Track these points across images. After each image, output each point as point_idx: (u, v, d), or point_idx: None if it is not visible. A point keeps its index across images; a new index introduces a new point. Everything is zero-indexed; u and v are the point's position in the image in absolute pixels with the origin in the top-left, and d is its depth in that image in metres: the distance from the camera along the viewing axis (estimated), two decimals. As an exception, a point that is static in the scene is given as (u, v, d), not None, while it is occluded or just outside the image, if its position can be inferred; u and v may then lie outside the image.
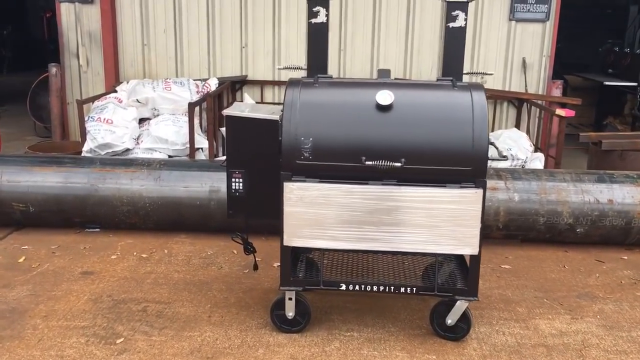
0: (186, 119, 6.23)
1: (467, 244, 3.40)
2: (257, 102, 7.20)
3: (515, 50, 6.97)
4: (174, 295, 4.12)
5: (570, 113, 5.98)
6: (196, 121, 6.15)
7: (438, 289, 3.52)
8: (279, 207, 3.58)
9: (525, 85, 7.07)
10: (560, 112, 5.99)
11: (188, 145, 6.03)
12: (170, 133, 6.09)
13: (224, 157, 3.88)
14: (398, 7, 7.12)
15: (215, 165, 5.31)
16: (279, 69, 3.86)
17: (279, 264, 3.72)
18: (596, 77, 9.07)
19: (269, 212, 3.65)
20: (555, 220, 4.99)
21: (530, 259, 4.90)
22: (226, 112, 3.50)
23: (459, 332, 3.58)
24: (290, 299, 3.59)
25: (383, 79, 3.57)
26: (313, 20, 3.63)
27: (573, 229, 5.03)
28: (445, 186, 3.36)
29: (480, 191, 3.33)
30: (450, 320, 3.55)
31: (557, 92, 6.77)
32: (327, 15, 3.62)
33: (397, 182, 3.39)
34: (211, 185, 5.13)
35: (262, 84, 7.37)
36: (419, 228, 3.40)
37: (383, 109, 3.36)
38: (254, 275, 4.48)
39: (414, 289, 3.54)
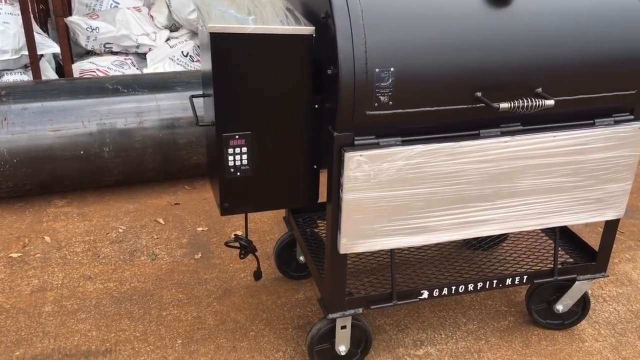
0: (9, 8, 3.97)
1: (611, 206, 2.24)
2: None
3: None
4: (108, 332, 2.47)
5: None
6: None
7: (559, 272, 2.37)
8: (312, 190, 2.09)
9: None
10: None
11: (25, 53, 3.87)
12: (-10, 35, 3.83)
13: (206, 108, 2.16)
14: None
15: (99, 84, 3.36)
16: None
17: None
18: None
19: (294, 199, 2.11)
20: None
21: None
22: (213, 26, 1.74)
23: (569, 317, 2.53)
24: (343, 327, 2.20)
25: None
26: None
27: None
28: (593, 124, 2.09)
29: (645, 126, 2.12)
30: (563, 305, 2.47)
31: None
32: None
33: (521, 126, 2.04)
34: (100, 121, 3.25)
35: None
36: (553, 194, 2.13)
37: (504, 2, 1.89)
38: (215, 262, 2.93)
39: (525, 277, 2.35)
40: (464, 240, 2.82)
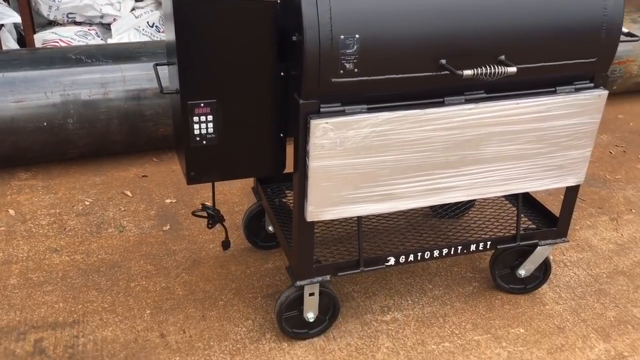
0: (-35, -24, 3.84)
1: (572, 173, 2.29)
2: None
3: None
4: (75, 304, 2.46)
5: None
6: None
7: (521, 237, 2.42)
8: (279, 159, 2.10)
9: None
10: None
11: (-16, 22, 3.76)
12: (-54, 3, 3.70)
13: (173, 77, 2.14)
14: None
15: (62, 54, 3.29)
16: None
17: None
18: None
19: (260, 167, 2.12)
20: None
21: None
22: (175, -9, 1.72)
23: (531, 282, 2.60)
24: (311, 294, 2.23)
25: None
26: None
27: None
28: (555, 92, 2.12)
29: (605, 93, 2.16)
30: (525, 270, 2.54)
31: None
32: None
33: (485, 93, 2.06)
34: (63, 92, 3.19)
35: None
36: (516, 161, 2.17)
37: (469, -32, 1.90)
38: (184, 234, 2.93)
39: (488, 243, 2.40)
40: (431, 209, 2.87)
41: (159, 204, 3.15)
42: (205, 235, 2.90)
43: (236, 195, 3.25)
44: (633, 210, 3.24)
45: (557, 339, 2.36)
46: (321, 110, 1.88)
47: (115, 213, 3.06)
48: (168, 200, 3.18)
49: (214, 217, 2.25)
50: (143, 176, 3.40)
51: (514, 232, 2.44)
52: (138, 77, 3.32)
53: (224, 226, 2.35)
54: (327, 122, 1.87)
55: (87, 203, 3.13)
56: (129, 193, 3.23)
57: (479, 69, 1.85)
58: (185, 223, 3.00)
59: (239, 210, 3.10)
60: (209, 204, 2.29)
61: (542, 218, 2.55)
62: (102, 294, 2.51)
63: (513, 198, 2.69)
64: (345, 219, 2.62)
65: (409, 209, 2.15)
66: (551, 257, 2.75)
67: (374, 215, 2.67)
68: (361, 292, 2.57)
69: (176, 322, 2.38)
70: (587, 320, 2.47)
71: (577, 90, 2.13)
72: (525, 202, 2.61)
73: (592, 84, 2.15)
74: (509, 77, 1.91)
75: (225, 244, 2.42)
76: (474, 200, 2.86)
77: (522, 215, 2.52)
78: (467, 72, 1.85)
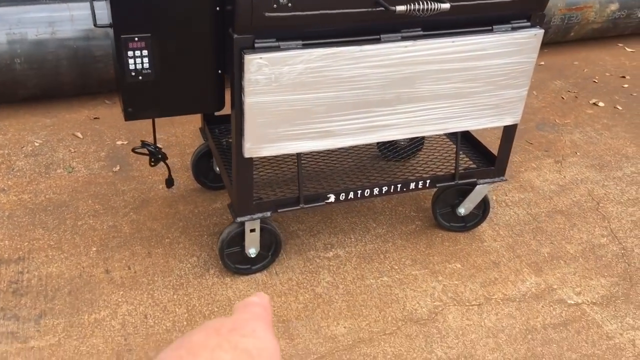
0: None
1: (509, 112, 2.34)
2: None
3: None
4: (21, 241, 2.48)
5: None
6: None
7: (460, 176, 2.48)
8: (218, 96, 2.10)
9: None
10: None
11: None
12: None
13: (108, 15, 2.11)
14: None
15: (3, -5, 3.21)
16: None
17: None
18: None
19: (199, 104, 2.12)
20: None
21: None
22: None
23: (471, 220, 2.68)
24: (252, 230, 2.28)
25: None
26: None
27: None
28: (492, 30, 2.15)
29: (541, 32, 2.19)
30: (465, 209, 2.61)
31: None
32: None
33: (422, 31, 2.07)
34: (9, 30, 3.12)
35: None
36: (452, 99, 2.21)
37: None
38: (134, 175, 2.94)
39: (427, 181, 2.45)
40: (379, 150, 2.91)
41: (109, 146, 3.14)
42: (154, 176, 2.92)
43: (188, 137, 3.25)
44: (578, 153, 3.33)
45: (491, 273, 2.46)
46: (255, 45, 1.88)
47: (65, 154, 3.05)
48: (119, 142, 3.18)
49: (155, 154, 2.26)
50: (95, 118, 3.38)
51: (454, 171, 2.50)
52: (87, 16, 3.25)
53: (166, 164, 2.37)
54: (261, 58, 1.87)
55: (36, 144, 3.11)
56: (79, 135, 3.21)
57: (412, 4, 1.87)
58: (135, 164, 3.00)
59: (190, 152, 3.10)
60: (150, 141, 2.30)
61: (482, 158, 2.61)
62: (49, 232, 2.53)
63: (455, 138, 2.75)
64: (291, 161, 2.66)
65: (346, 146, 2.18)
66: (493, 197, 2.84)
67: (317, 154, 2.71)
68: (306, 231, 2.63)
69: (122, 259, 2.42)
70: (522, 256, 2.57)
71: (514, 29, 2.16)
72: (467, 142, 2.67)
73: (528, 23, 2.18)
74: (445, 14, 1.94)
75: (169, 182, 2.44)
76: (422, 142, 2.91)
77: (464, 155, 2.58)
78: (400, 8, 1.86)
